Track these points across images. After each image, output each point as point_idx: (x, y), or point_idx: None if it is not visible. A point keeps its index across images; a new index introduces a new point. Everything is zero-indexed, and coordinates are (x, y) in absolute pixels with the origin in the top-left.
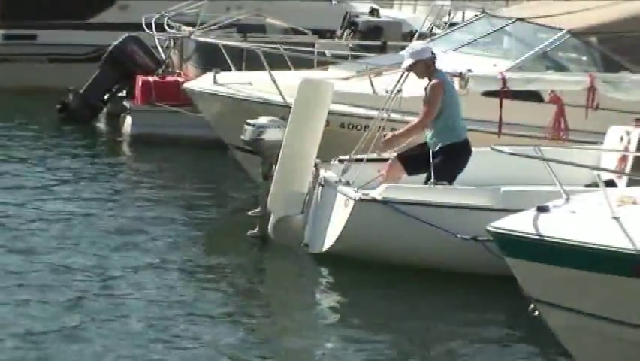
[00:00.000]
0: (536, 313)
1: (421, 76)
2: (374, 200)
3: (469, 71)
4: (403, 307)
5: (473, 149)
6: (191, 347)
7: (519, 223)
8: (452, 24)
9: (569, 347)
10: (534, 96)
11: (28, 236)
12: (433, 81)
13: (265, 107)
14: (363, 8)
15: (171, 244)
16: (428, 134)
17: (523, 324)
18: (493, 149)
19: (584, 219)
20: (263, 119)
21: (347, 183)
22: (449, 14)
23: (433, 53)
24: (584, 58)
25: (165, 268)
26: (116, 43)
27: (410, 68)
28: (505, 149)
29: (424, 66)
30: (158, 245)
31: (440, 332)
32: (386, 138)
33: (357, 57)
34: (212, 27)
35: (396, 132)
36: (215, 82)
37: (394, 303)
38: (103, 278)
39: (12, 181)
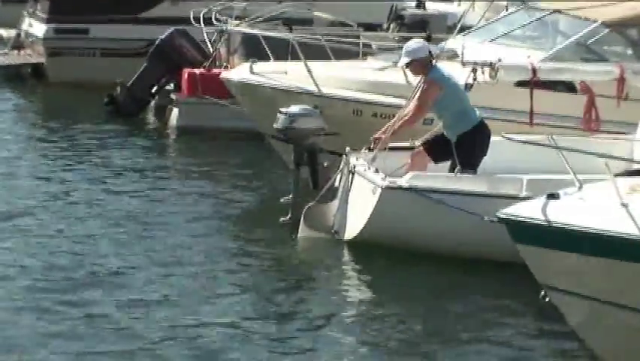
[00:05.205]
0: (547, 299)
1: (416, 74)
2: (401, 188)
3: (499, 60)
4: (424, 293)
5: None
6: (215, 330)
7: (529, 210)
8: None
9: (581, 333)
10: (567, 87)
11: (77, 225)
12: (426, 79)
13: (298, 95)
14: (410, 1)
15: (205, 231)
16: (442, 129)
17: (536, 311)
18: (504, 137)
19: (592, 206)
20: (295, 108)
21: (375, 171)
22: (506, 9)
23: (429, 52)
24: (618, 49)
25: (197, 252)
26: (162, 37)
27: (406, 66)
28: (517, 137)
29: (420, 65)
30: (194, 232)
31: (455, 317)
32: (376, 137)
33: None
34: (257, 20)
35: (387, 132)
36: (251, 71)
37: (421, 290)
38: (135, 264)
39: (60, 174)
